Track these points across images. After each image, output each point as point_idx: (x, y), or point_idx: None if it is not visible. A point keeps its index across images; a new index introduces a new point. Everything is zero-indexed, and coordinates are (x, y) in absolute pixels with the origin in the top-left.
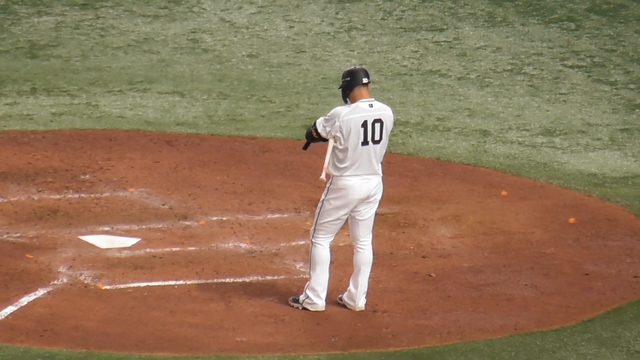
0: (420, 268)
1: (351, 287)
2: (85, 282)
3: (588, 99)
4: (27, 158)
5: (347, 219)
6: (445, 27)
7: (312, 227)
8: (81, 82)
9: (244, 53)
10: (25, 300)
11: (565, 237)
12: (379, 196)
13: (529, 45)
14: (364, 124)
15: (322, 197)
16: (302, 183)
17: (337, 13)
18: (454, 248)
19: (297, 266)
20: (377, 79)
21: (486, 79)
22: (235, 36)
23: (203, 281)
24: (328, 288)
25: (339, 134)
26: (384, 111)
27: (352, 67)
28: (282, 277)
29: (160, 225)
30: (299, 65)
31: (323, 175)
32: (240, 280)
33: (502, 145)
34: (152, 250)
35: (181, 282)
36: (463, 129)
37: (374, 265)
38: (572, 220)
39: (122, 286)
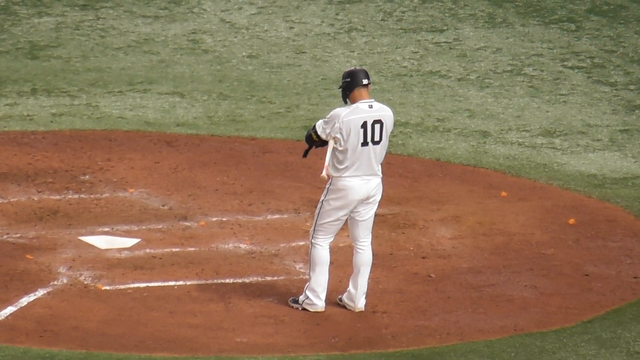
0: (420, 269)
1: (351, 287)
2: (85, 282)
3: (588, 100)
4: (27, 159)
5: (346, 220)
6: (445, 28)
7: (312, 228)
8: (81, 83)
9: (244, 54)
10: (25, 300)
11: (565, 238)
12: (378, 197)
13: (529, 46)
14: (364, 125)
15: (322, 197)
16: (302, 184)
17: (337, 14)
18: (453, 249)
19: (297, 267)
20: (377, 80)
21: (486, 80)
22: (235, 37)
23: (203, 282)
24: (328, 289)
25: (339, 135)
26: (384, 112)
27: (352, 68)
28: (281, 277)
29: (160, 226)
30: (299, 66)
31: (324, 173)
32: (240, 281)
33: (502, 146)
34: (152, 251)
35: (181, 282)
36: (463, 130)
37: (374, 266)
38: (572, 221)
39: (122, 287)
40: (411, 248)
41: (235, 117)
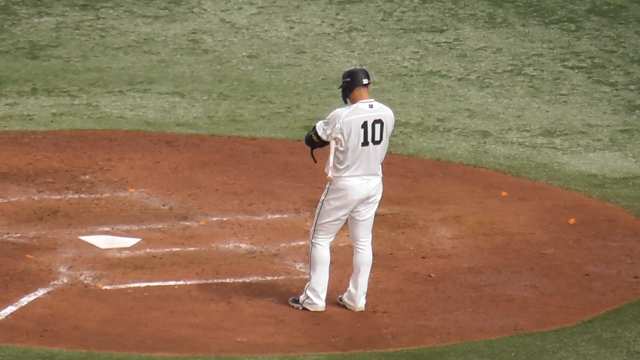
0: (420, 269)
1: (351, 287)
2: (86, 282)
3: (588, 100)
4: (27, 158)
5: (347, 220)
6: (445, 28)
7: (312, 228)
8: (81, 83)
9: (244, 54)
10: (25, 300)
11: (566, 238)
12: (378, 197)
13: (529, 46)
14: (364, 125)
15: (322, 197)
16: (302, 184)
17: (337, 14)
18: (454, 249)
19: (297, 267)
20: (378, 80)
21: (486, 80)
22: (235, 37)
23: (203, 281)
24: (328, 288)
25: (340, 136)
26: (384, 112)
27: (353, 68)
28: (282, 277)
29: (160, 226)
30: (299, 66)
31: (330, 174)
32: (240, 280)
33: (502, 146)
34: (152, 251)
35: (181, 282)
36: (463, 130)
37: (374, 265)
38: (572, 221)
39: (122, 286)
40: (411, 248)
41: (235, 117)
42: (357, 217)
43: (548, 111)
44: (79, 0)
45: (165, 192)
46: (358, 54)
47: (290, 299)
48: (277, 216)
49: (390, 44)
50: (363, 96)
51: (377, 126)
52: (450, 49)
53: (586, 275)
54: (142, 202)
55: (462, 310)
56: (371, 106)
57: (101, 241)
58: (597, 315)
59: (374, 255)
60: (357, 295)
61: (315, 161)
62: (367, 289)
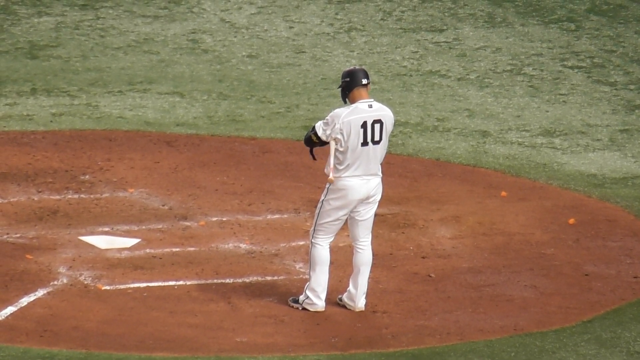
0: (420, 269)
1: (351, 287)
2: (85, 282)
3: (588, 100)
4: (27, 158)
5: (346, 220)
6: (445, 27)
7: (312, 228)
8: (81, 83)
9: (243, 53)
10: (25, 300)
11: (565, 238)
12: (378, 197)
13: (528, 45)
14: (364, 125)
15: (322, 197)
16: (301, 184)
17: (336, 13)
18: (453, 249)
19: (297, 267)
20: (377, 80)
21: (486, 80)
22: (235, 37)
23: (203, 282)
24: (328, 288)
25: (339, 136)
26: (384, 112)
27: (352, 68)
28: (282, 277)
29: (160, 226)
30: (298, 66)
31: (331, 176)
32: (240, 280)
33: (501, 146)
34: (152, 251)
35: (181, 282)
36: (463, 130)
37: (374, 265)
38: (571, 221)
39: (122, 287)
40: (411, 248)
41: (235, 117)
42: (356, 217)
43: (548, 111)
44: (79, 0)
45: (165, 192)
46: (357, 53)
47: (290, 299)
48: (276, 216)
49: (390, 43)
50: (362, 96)
51: (377, 126)
52: (450, 48)
53: (586, 275)
54: (142, 202)
55: (462, 310)
56: (370, 106)
57: (101, 241)
58: (596, 315)
59: (373, 255)
60: (357, 296)
61: (315, 159)
62: (367, 289)
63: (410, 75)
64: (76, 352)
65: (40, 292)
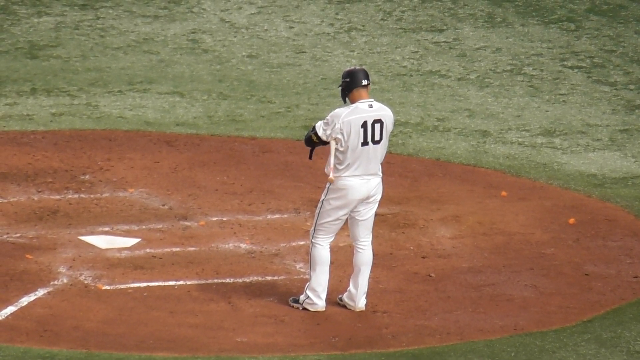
0: (420, 268)
1: (351, 287)
2: (85, 282)
3: (588, 100)
4: (26, 158)
5: (347, 220)
6: (445, 27)
7: (312, 228)
8: (81, 83)
9: (243, 53)
10: (25, 300)
11: (565, 238)
12: (378, 196)
13: (528, 45)
14: (364, 125)
15: (322, 197)
16: (302, 183)
17: (337, 13)
18: (453, 248)
19: (297, 266)
20: (377, 80)
21: (486, 80)
22: (235, 36)
23: (203, 281)
24: (328, 288)
25: (340, 136)
26: (384, 112)
27: (352, 68)
28: (282, 277)
29: (160, 226)
30: (298, 66)
31: (332, 176)
32: (240, 280)
33: (501, 146)
34: (152, 251)
35: (181, 282)
36: (463, 130)
37: (374, 265)
38: (571, 220)
39: (122, 286)
40: (411, 248)
41: (235, 116)
42: (357, 217)
43: (548, 111)
44: (79, 0)
45: (165, 192)
46: (357, 53)
47: (291, 299)
48: (277, 216)
49: (390, 43)
50: (362, 96)
51: (377, 126)
52: (450, 48)
53: (586, 275)
54: (142, 202)
55: (462, 310)
56: (371, 106)
57: (101, 241)
58: (596, 315)
59: (374, 255)
60: (357, 295)
61: (311, 158)
62: (367, 288)
63: (411, 75)
64: (76, 352)
65: (41, 292)
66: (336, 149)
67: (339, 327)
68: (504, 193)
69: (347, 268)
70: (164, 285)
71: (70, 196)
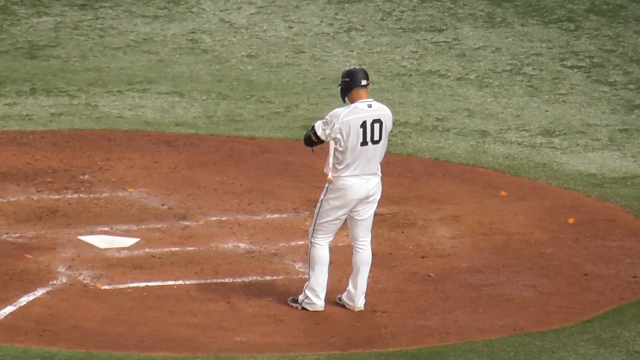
0: (419, 268)
1: (350, 287)
2: (85, 282)
3: (587, 100)
4: (26, 158)
5: (346, 219)
6: (444, 27)
7: (311, 227)
8: (80, 83)
9: (243, 53)
10: (24, 300)
11: (565, 238)
12: (378, 196)
13: (528, 45)
14: (363, 125)
15: (321, 197)
16: (301, 183)
17: (336, 13)
18: (453, 248)
19: (296, 266)
20: (377, 80)
21: (485, 80)
22: (234, 36)
23: (202, 281)
24: (327, 288)
25: (339, 136)
26: (383, 111)
27: (352, 68)
28: (281, 277)
29: (159, 226)
30: (298, 66)
31: (330, 176)
32: (239, 280)
33: (501, 146)
34: (151, 251)
35: (180, 282)
36: (462, 130)
37: (373, 265)
38: (571, 220)
39: (121, 286)
40: (410, 247)
41: (234, 116)
42: (356, 217)
43: (547, 111)
44: (78, 0)
45: (165, 191)
46: (357, 53)
47: (290, 298)
48: (276, 216)
49: (389, 43)
50: (362, 96)
51: (376, 126)
52: (450, 48)
53: (585, 275)
54: (141, 202)
55: (461, 310)
56: (370, 106)
57: (100, 241)
58: (596, 315)
59: (373, 254)
60: (357, 295)
61: (313, 151)
62: (367, 288)
63: (410, 75)
64: (75, 352)
65: (40, 292)
66: (335, 149)
67: (338, 327)
68: (503, 193)
69: (346, 268)
70: (163, 285)
71: (69, 196)
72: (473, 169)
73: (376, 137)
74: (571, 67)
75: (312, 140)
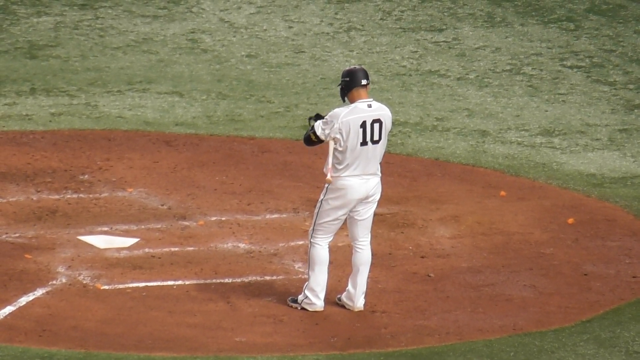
0: (419, 268)
1: (350, 287)
2: (84, 282)
3: (587, 99)
4: (26, 158)
5: (345, 219)
6: (444, 27)
7: (311, 227)
8: (80, 83)
9: (243, 53)
10: (24, 300)
11: (564, 238)
12: (377, 196)
13: (528, 45)
14: (363, 125)
15: (321, 197)
16: (301, 183)
17: (336, 13)
18: (452, 248)
19: (296, 266)
20: (376, 79)
21: (485, 79)
22: (234, 36)
23: (202, 281)
24: (327, 288)
25: (338, 136)
26: (383, 111)
27: (352, 67)
28: (280, 277)
29: (159, 226)
30: (298, 66)
31: (329, 176)
32: (239, 280)
33: (501, 146)
34: (151, 251)
35: (180, 282)
36: (462, 129)
37: (373, 265)
38: (571, 220)
39: (120, 286)
40: (410, 247)
41: (234, 116)
42: (356, 217)
43: (547, 110)
44: (78, 0)
45: (164, 191)
46: (357, 53)
47: (289, 298)
48: (275, 216)
49: (389, 43)
50: (362, 96)
51: (376, 126)
52: (449, 48)
53: (585, 275)
54: (141, 202)
55: (461, 310)
56: (370, 106)
57: (100, 241)
58: (595, 315)
59: (372, 254)
60: (356, 295)
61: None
62: (366, 288)
63: (410, 75)
64: (75, 352)
65: (39, 292)
66: (335, 149)
67: (337, 327)
68: (503, 193)
69: (345, 268)
70: (163, 285)
71: (69, 196)
72: (473, 169)
73: (376, 137)
74: (571, 67)
75: (312, 140)
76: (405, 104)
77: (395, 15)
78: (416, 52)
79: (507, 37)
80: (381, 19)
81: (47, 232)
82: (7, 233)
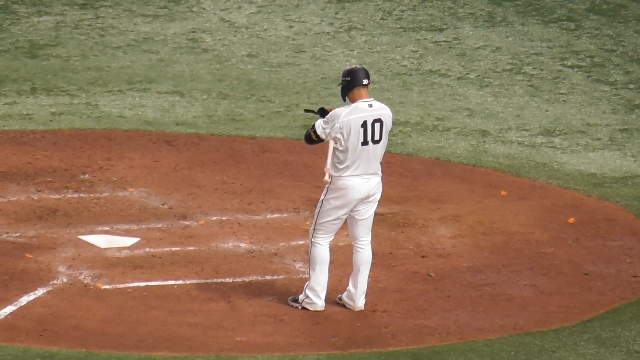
0: (419, 268)
1: (350, 286)
2: (85, 281)
3: (588, 99)
4: (26, 158)
5: (346, 219)
6: (444, 27)
7: (312, 227)
8: (81, 82)
9: (243, 53)
10: (24, 299)
11: (565, 237)
12: (378, 196)
13: (528, 45)
14: (364, 124)
15: (322, 196)
16: (301, 183)
17: (336, 13)
18: (453, 248)
19: (297, 266)
20: (377, 79)
21: (486, 79)
22: (234, 36)
23: (202, 281)
24: (327, 288)
25: (339, 135)
26: (383, 111)
27: (353, 67)
28: (281, 276)
29: (159, 225)
30: (298, 65)
31: (327, 177)
32: (239, 280)
33: (501, 145)
34: (152, 250)
35: (180, 281)
36: (462, 129)
37: (374, 265)
38: (571, 220)
39: (121, 286)
40: (411, 247)
41: (234, 116)
42: (356, 217)
43: (547, 110)
44: None
45: (165, 191)
46: (357, 53)
47: (290, 298)
48: (276, 215)
49: (390, 43)
50: (362, 96)
51: (377, 125)
52: (450, 48)
53: (585, 274)
54: (142, 202)
55: (461, 309)
56: (371, 105)
57: (100, 240)
58: (596, 314)
59: (373, 254)
60: (357, 295)
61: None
62: (367, 288)
63: (410, 75)
64: (76, 352)
65: (40, 291)
66: (336, 149)
67: (338, 327)
68: (503, 192)
69: (346, 267)
70: (164, 285)
71: (69, 195)
72: (473, 169)
73: (377, 137)
74: (571, 67)
75: (312, 139)
76: (406, 103)
77: (396, 14)
78: (417, 51)
79: (508, 37)
80: (382, 18)
81: (47, 232)
82: (7, 232)
